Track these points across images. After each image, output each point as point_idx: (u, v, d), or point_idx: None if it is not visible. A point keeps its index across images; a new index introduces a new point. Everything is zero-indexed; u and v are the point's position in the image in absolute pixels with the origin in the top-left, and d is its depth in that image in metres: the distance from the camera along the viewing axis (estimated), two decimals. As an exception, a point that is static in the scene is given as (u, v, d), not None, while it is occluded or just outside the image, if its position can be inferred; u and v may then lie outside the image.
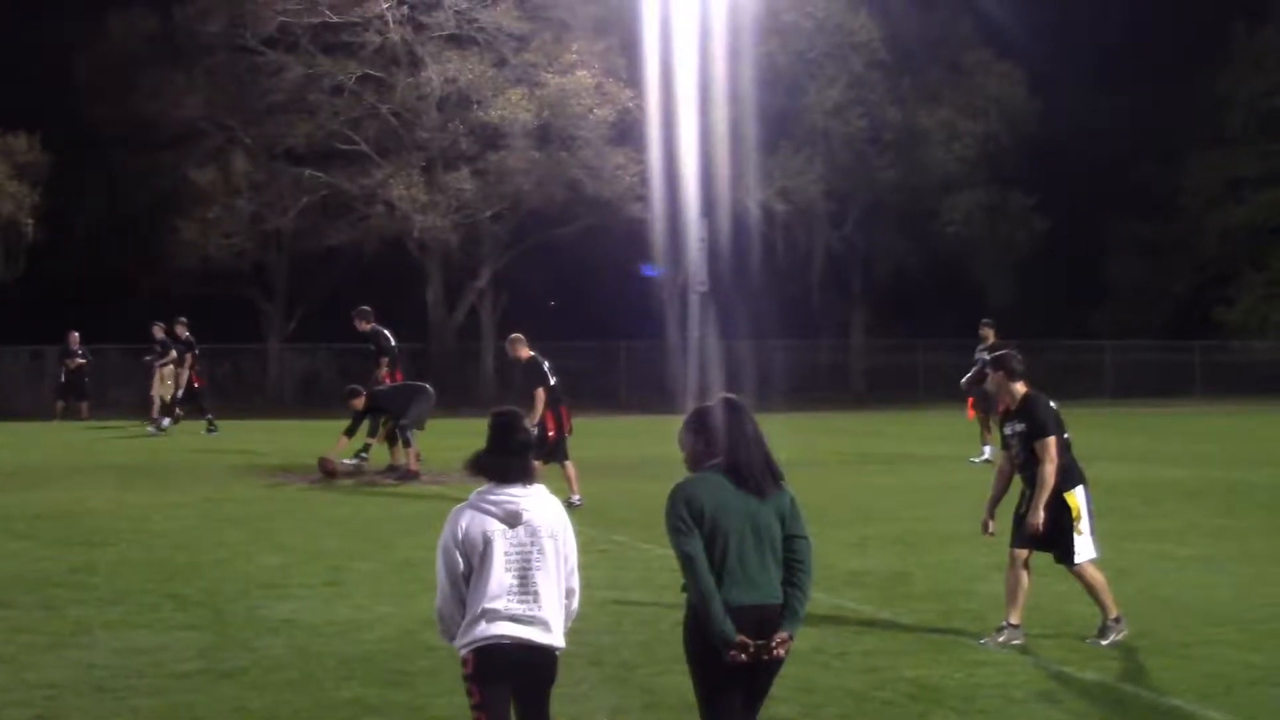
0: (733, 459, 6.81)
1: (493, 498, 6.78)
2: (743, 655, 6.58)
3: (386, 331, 25.73)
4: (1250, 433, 37.26)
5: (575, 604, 7.01)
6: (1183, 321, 60.37)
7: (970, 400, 27.45)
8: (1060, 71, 59.75)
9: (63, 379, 39.50)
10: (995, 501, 11.94)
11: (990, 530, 11.86)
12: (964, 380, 27.29)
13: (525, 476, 6.87)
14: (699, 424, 6.98)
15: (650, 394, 47.62)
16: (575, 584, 6.99)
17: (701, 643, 6.70)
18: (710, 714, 6.76)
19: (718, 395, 7.04)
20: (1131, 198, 60.69)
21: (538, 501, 6.84)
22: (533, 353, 21.07)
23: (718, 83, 47.14)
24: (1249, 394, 53.18)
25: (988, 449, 26.17)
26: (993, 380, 12.18)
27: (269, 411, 43.37)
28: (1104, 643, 11.37)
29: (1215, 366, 58.85)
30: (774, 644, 6.65)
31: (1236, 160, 59.96)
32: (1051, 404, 11.75)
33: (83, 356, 39.40)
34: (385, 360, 25.63)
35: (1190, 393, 56.21)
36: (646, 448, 25.79)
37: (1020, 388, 11.79)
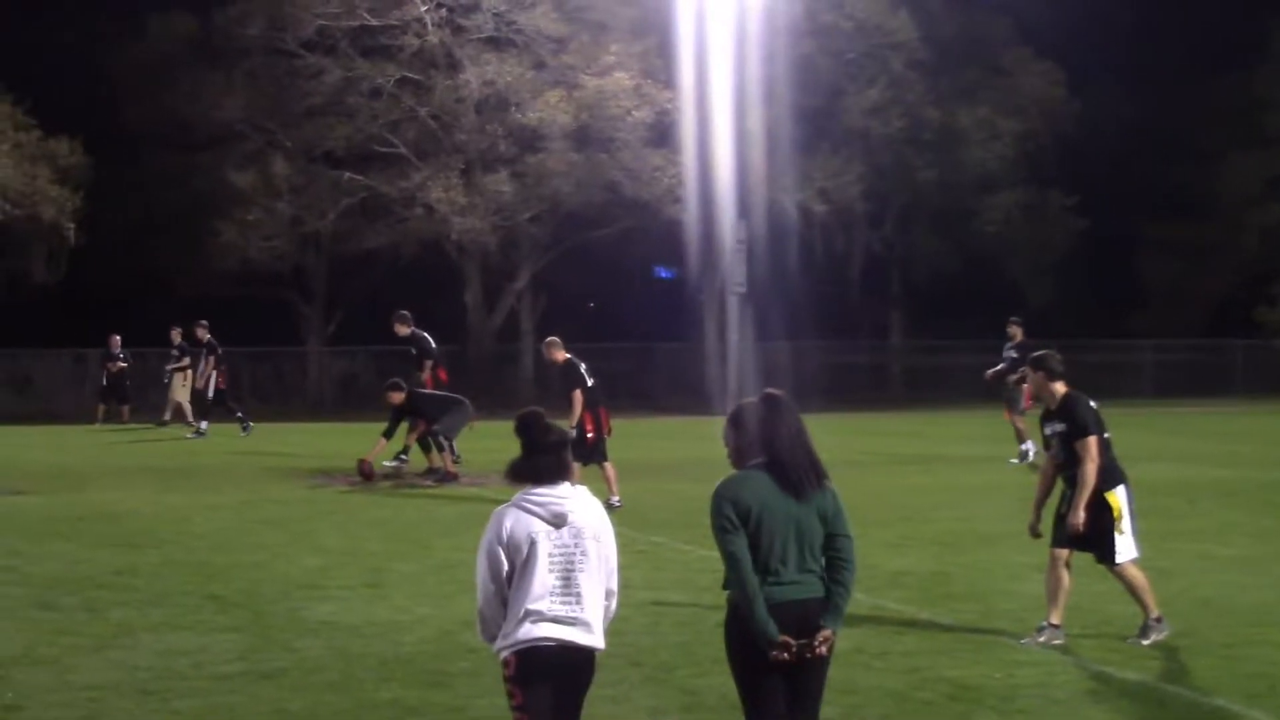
0: (774, 456, 6.81)
1: (537, 498, 6.79)
2: (785, 654, 6.59)
3: (426, 334, 25.79)
4: (1292, 433, 37.05)
5: (615, 605, 7.01)
6: (1223, 321, 60.03)
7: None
8: (1099, 71, 59.48)
9: (104, 382, 39.67)
10: (1040, 502, 11.91)
11: (1038, 532, 11.84)
12: (990, 372, 27.27)
13: (563, 474, 6.87)
14: (741, 420, 6.97)
15: (687, 396, 47.58)
16: (615, 585, 6.99)
17: (743, 642, 6.70)
18: (754, 715, 6.76)
19: (761, 391, 7.03)
20: (1170, 197, 60.36)
21: (581, 503, 6.85)
22: (569, 355, 21.10)
23: (755, 84, 47.08)
24: (1291, 394, 52.91)
25: (1028, 446, 26.02)
26: (1032, 380, 12.16)
27: (308, 414, 43.50)
28: (1145, 642, 11.33)
29: (1256, 366, 58.52)
30: (816, 642, 6.65)
31: (1276, 160, 59.57)
32: (1092, 403, 11.72)
33: (124, 359, 39.59)
34: (428, 363, 25.70)
35: (1231, 392, 55.90)
36: (684, 449, 25.79)
37: (1060, 388, 11.77)
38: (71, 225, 45.55)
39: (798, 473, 6.78)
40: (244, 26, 47.27)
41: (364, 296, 52.29)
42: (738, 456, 6.94)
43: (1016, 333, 27.23)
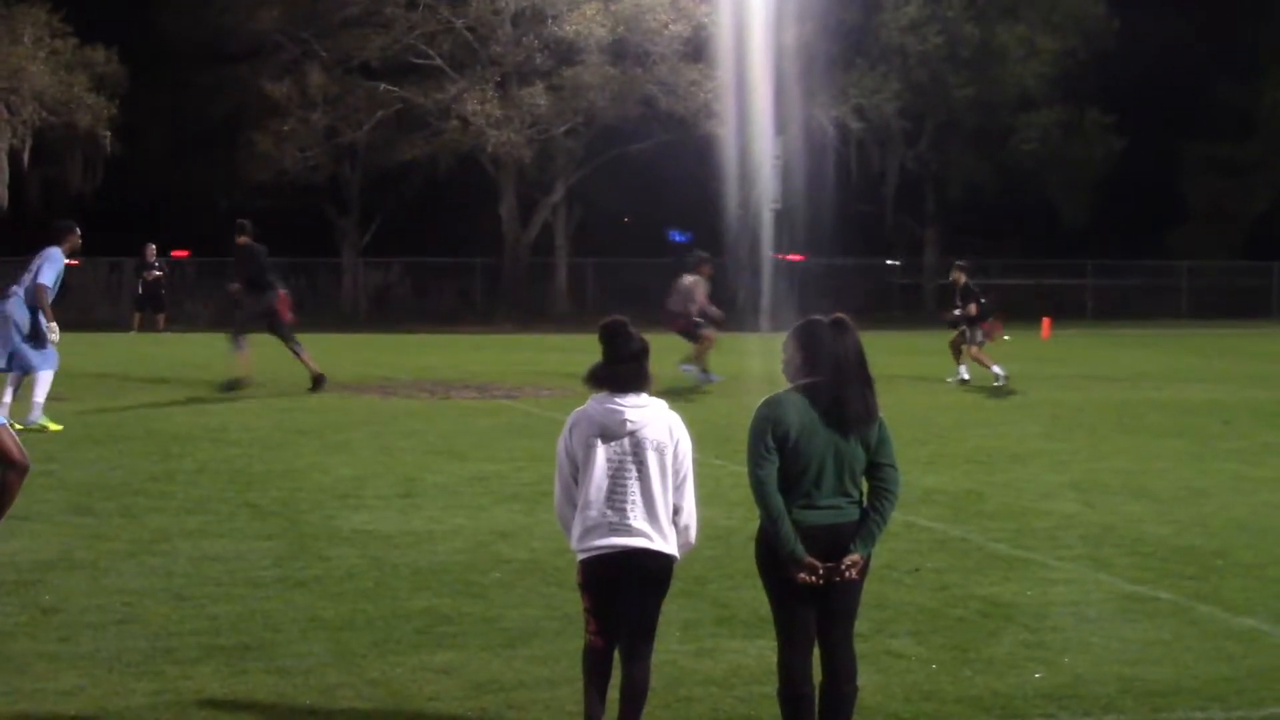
0: (831, 380, 6.73)
1: (602, 405, 6.87)
2: (812, 577, 6.59)
3: (260, 249, 24.18)
4: (1328, 355, 36.86)
5: (686, 520, 7.03)
6: (1261, 242, 59.66)
7: (1047, 320, 27.33)
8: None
9: (140, 291, 39.82)
10: None
11: None
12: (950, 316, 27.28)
13: (636, 384, 6.91)
14: (806, 338, 6.88)
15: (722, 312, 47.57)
16: (684, 501, 7.01)
17: (773, 559, 6.70)
18: (784, 628, 6.78)
19: (832, 315, 6.96)
20: (1210, 116, 59.88)
21: (647, 413, 6.89)
22: None
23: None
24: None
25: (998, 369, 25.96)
26: None
27: (342, 325, 43.59)
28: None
29: (1294, 287, 58.30)
30: (844, 565, 6.64)
31: (1318, 77, 59.04)
32: None
33: (159, 269, 39.70)
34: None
35: (1268, 314, 55.68)
36: (716, 365, 25.75)
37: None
38: (108, 134, 45.60)
39: (848, 405, 6.73)
40: (280, -64, 47.12)
41: (399, 209, 52.34)
42: (791, 373, 6.89)
43: (960, 278, 27.12)
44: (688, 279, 25.48)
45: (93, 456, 15.98)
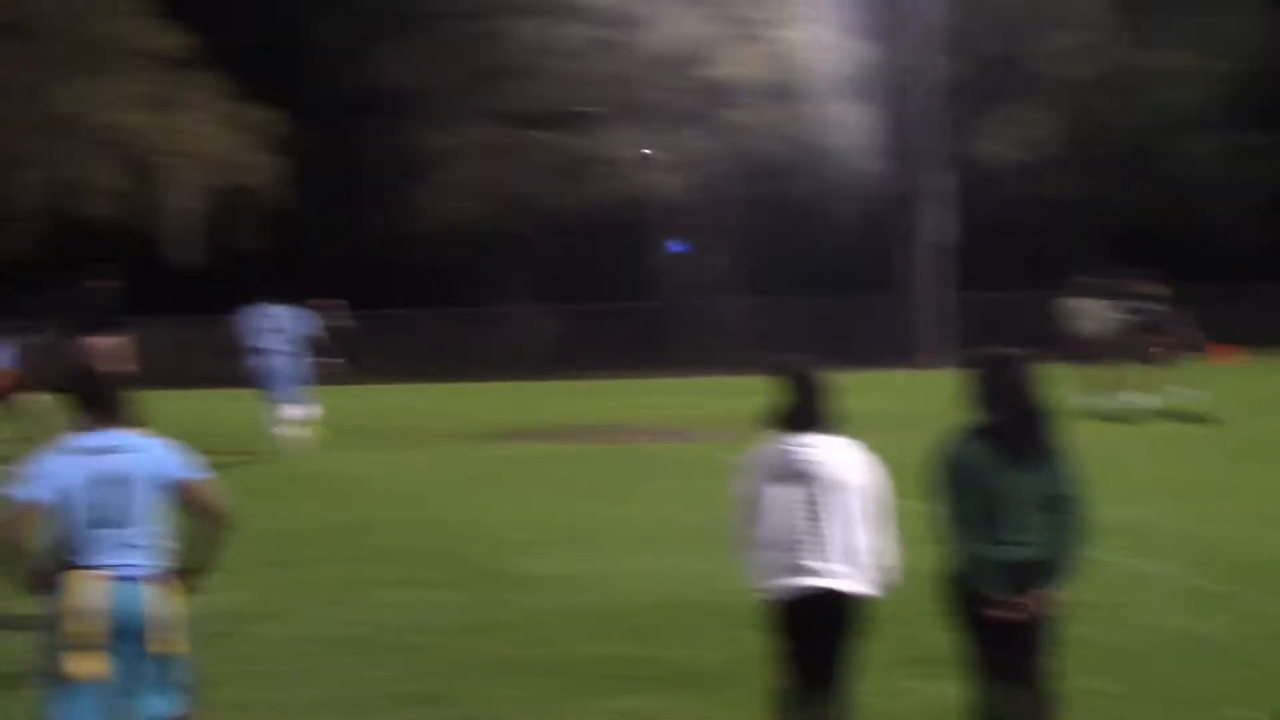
0: (1008, 416, 6.71)
1: (782, 446, 6.86)
2: (1005, 614, 6.54)
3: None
4: None
5: (883, 558, 7.02)
6: None
7: (1223, 347, 26.89)
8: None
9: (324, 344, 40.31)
10: None
11: None
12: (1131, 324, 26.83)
13: (815, 424, 6.91)
14: (982, 372, 6.86)
15: (883, 348, 47.23)
16: (880, 538, 7.00)
17: (965, 597, 6.67)
18: (979, 667, 6.73)
19: (1000, 348, 6.94)
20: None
21: (828, 451, 6.88)
22: None
23: (945, 32, 46.61)
24: None
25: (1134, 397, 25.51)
26: None
27: (506, 373, 43.90)
28: None
29: None
30: (1037, 602, 6.57)
31: None
32: None
33: (331, 321, 40.20)
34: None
35: None
36: (884, 402, 25.60)
37: None
38: (277, 192, 46.50)
39: (1027, 438, 6.69)
40: (438, -9, 47.80)
41: (565, 256, 52.65)
42: (972, 407, 6.85)
43: (1151, 288, 26.69)
44: (1088, 303, 25.39)
45: (271, 508, 16.18)
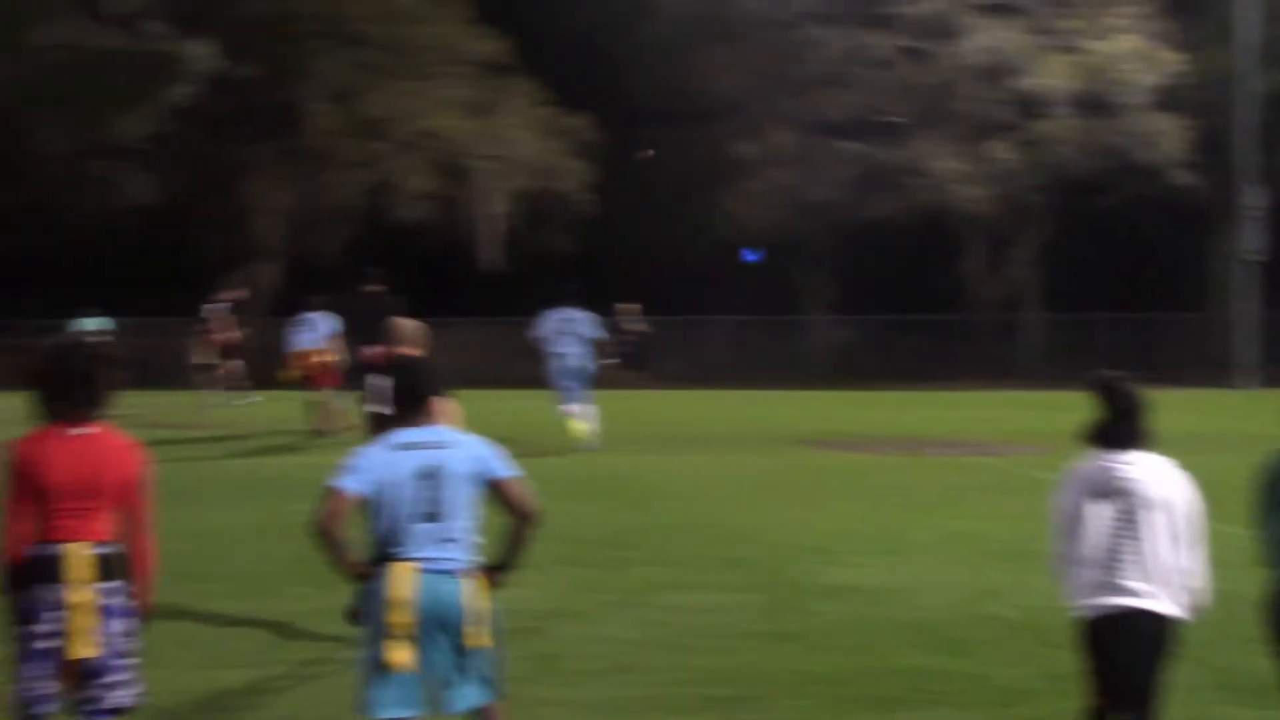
0: None
1: (1099, 463, 6.73)
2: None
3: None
4: None
5: (1195, 580, 6.84)
6: None
7: None
8: None
9: (622, 349, 40.80)
10: None
11: None
12: None
13: (1134, 441, 6.76)
14: None
15: (1197, 367, 45.96)
16: (1193, 560, 6.81)
17: (1284, 624, 6.45)
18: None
19: None
20: None
21: (1145, 469, 6.73)
22: None
23: (1265, 44, 45.19)
24: None
25: None
26: None
27: (804, 382, 43.83)
28: None
29: None
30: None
31: None
32: None
33: (633, 326, 40.71)
34: None
35: None
36: (1200, 422, 24.91)
37: None
38: (585, 197, 47.22)
39: None
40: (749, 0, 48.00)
41: (864, 265, 52.38)
42: None
43: None
44: None
45: (574, 509, 16.38)
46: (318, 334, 24.54)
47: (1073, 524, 6.80)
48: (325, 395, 24.10)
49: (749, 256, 52.72)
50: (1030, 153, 46.98)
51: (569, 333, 23.07)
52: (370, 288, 22.35)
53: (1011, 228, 50.50)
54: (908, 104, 48.24)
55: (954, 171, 46.11)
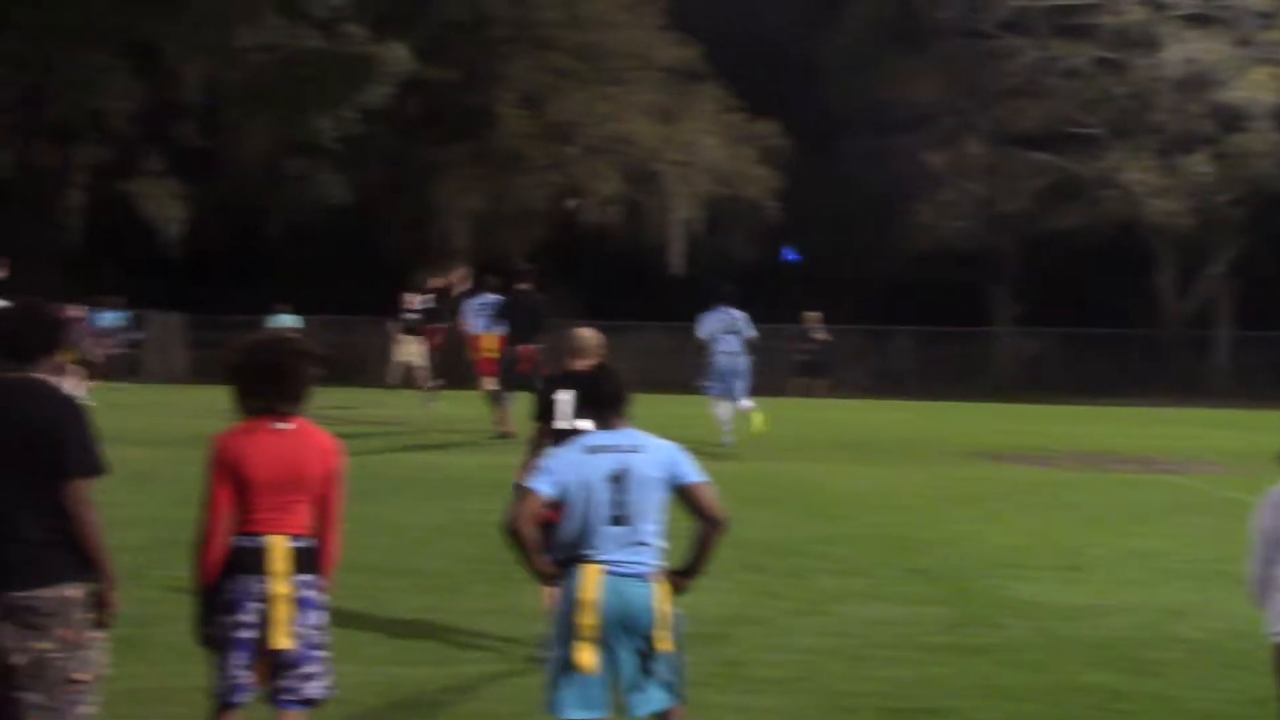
0: None
1: (1286, 486, 6.63)
2: None
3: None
4: None
5: None
6: None
7: None
8: None
9: (805, 357, 40.69)
10: None
11: None
12: None
13: None
14: None
15: None
16: None
17: None
18: None
19: None
20: None
21: None
22: None
23: None
24: None
25: None
26: None
27: (990, 394, 43.40)
28: None
29: None
30: None
31: None
32: None
33: (820, 335, 40.56)
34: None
35: None
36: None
37: None
38: (772, 204, 47.20)
39: None
40: (941, 9, 47.69)
41: (1053, 278, 51.70)
42: None
43: None
44: None
45: (759, 517, 16.39)
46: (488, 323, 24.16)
47: (1267, 547, 6.67)
48: (491, 386, 23.92)
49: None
50: (1226, 166, 46.11)
51: (732, 331, 23.83)
52: (521, 285, 22.64)
53: (1205, 242, 49.56)
54: (1102, 115, 47.63)
55: (1147, 184, 45.38)
